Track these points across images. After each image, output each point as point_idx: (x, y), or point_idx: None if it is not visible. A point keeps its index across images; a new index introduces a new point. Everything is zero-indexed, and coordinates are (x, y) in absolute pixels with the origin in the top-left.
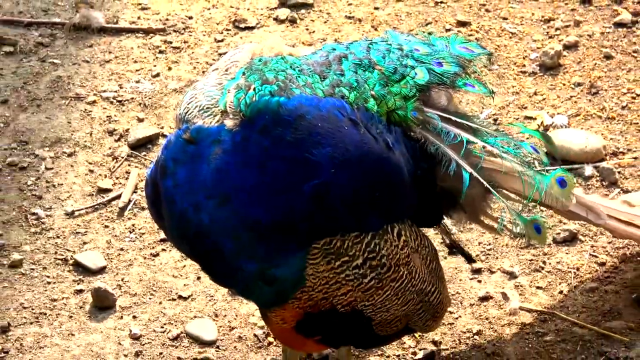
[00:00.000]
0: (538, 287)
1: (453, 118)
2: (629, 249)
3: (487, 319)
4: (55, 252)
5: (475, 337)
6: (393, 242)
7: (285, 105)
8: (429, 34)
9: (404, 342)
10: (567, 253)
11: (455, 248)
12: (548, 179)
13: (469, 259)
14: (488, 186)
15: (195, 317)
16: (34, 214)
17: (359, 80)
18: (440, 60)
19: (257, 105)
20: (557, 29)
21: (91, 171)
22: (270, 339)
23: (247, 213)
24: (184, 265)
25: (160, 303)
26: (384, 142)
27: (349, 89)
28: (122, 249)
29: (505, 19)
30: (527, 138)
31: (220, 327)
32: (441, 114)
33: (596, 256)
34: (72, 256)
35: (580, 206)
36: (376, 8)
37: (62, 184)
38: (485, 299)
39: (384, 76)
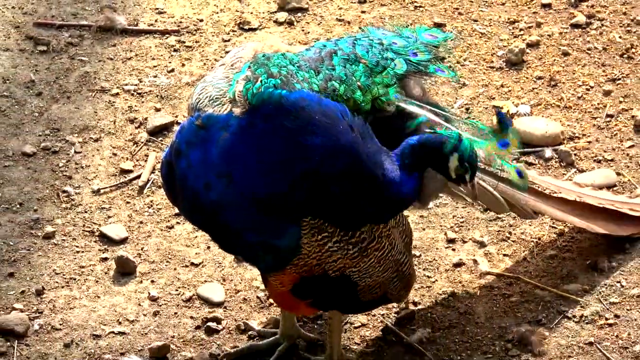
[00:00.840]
0: (505, 255)
1: (427, 106)
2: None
3: (460, 282)
4: (84, 225)
5: (450, 298)
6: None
7: (287, 97)
8: (399, 26)
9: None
10: (530, 225)
11: None
12: (509, 166)
13: None
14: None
15: (205, 281)
16: (64, 191)
17: (347, 74)
18: (415, 50)
19: (262, 96)
20: (521, 29)
21: (114, 154)
22: (271, 300)
23: (248, 189)
24: (196, 237)
25: (175, 269)
26: (372, 153)
27: (339, 82)
28: (141, 222)
29: (475, 20)
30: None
31: (227, 290)
32: (417, 102)
33: (555, 227)
34: (98, 228)
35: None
36: (363, 12)
37: (89, 166)
38: (458, 265)
39: (368, 69)
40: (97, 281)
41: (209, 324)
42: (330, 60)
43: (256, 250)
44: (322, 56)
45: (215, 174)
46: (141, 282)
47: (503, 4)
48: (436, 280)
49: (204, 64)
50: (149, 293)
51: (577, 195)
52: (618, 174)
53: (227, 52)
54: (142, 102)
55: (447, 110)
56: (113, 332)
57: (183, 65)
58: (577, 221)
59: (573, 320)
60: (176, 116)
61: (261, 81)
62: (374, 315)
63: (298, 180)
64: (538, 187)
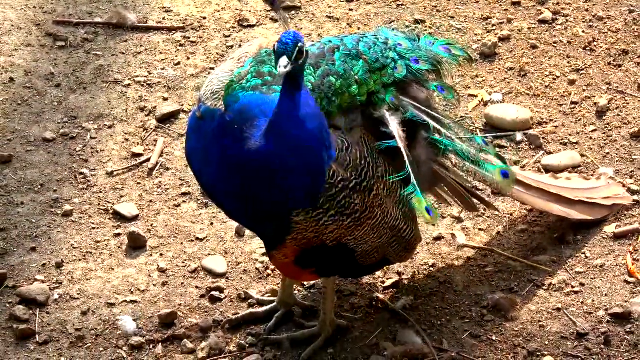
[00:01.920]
0: (480, 229)
1: (423, 108)
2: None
3: (439, 254)
4: (99, 204)
5: (431, 268)
6: (364, 195)
7: (241, 100)
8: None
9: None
10: (502, 202)
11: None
12: (493, 168)
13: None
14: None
15: (209, 254)
16: (81, 173)
17: (346, 69)
18: (418, 57)
19: (227, 97)
20: (493, 25)
21: (127, 140)
22: (269, 271)
23: (222, 180)
24: (200, 214)
25: (181, 243)
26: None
27: (336, 77)
28: (151, 201)
29: (452, 17)
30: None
31: (229, 262)
32: (414, 103)
33: (526, 204)
34: (111, 207)
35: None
36: (350, 9)
37: (103, 150)
38: (438, 238)
39: (367, 64)
40: (111, 255)
41: (213, 293)
42: (332, 55)
43: (253, 229)
44: (324, 51)
45: (204, 164)
46: (151, 255)
47: (477, 2)
48: (418, 252)
49: (207, 57)
50: (158, 265)
51: (554, 188)
52: (582, 155)
53: (228, 47)
54: (152, 92)
55: (443, 117)
56: (126, 301)
57: (188, 58)
58: (556, 209)
59: (542, 289)
60: (182, 105)
61: (245, 80)
62: (362, 285)
63: (234, 178)
64: (523, 179)
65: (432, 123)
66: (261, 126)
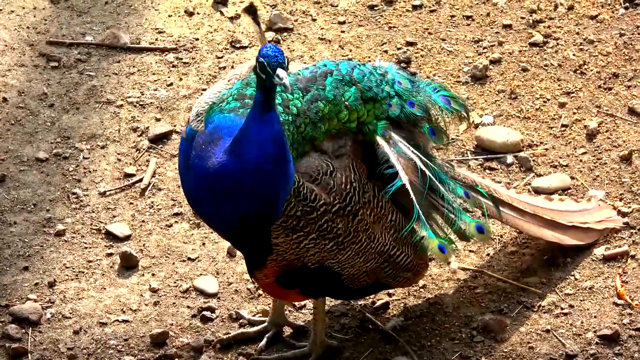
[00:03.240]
0: (470, 251)
1: (411, 148)
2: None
3: (430, 276)
4: (91, 224)
5: (421, 290)
6: (348, 220)
7: (215, 122)
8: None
9: None
10: (493, 224)
11: None
12: (471, 220)
13: None
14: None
15: (201, 274)
16: (74, 193)
17: (337, 95)
18: (414, 101)
19: (206, 118)
20: (484, 47)
21: (119, 160)
22: (260, 292)
23: (197, 198)
24: (192, 234)
25: (173, 263)
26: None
27: (325, 103)
28: (143, 221)
29: (444, 40)
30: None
31: (221, 282)
32: (403, 141)
33: (519, 230)
34: (104, 227)
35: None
36: (342, 31)
37: (96, 170)
38: (428, 260)
39: (359, 92)
40: (103, 274)
41: (204, 312)
42: (324, 80)
43: (238, 248)
44: (316, 76)
45: (186, 182)
46: (143, 275)
47: (468, 25)
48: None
49: (200, 78)
50: (150, 285)
51: (549, 213)
52: (572, 177)
53: (220, 68)
54: (144, 112)
55: (436, 162)
56: (118, 320)
57: (180, 79)
58: (549, 235)
59: (532, 310)
60: (174, 125)
61: (225, 102)
62: (353, 306)
63: (204, 196)
64: (518, 204)
65: (420, 164)
66: (224, 145)
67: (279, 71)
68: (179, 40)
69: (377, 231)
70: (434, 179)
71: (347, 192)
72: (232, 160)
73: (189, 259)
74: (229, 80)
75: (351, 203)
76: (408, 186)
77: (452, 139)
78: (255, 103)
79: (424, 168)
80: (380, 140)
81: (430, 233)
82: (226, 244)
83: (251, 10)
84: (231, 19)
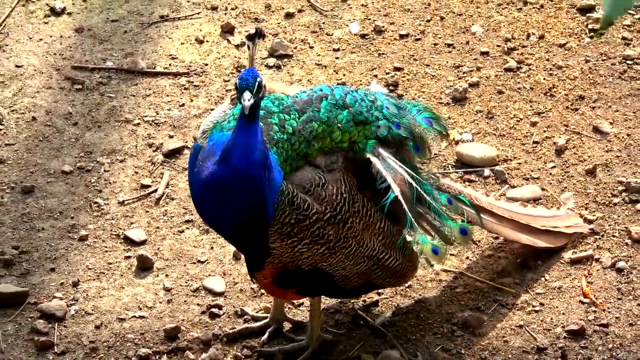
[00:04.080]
0: (451, 254)
1: (399, 163)
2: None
3: (415, 277)
4: (111, 230)
5: (407, 289)
6: (338, 227)
7: (215, 139)
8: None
9: None
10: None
11: None
12: (455, 225)
13: None
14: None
15: (209, 275)
16: (96, 202)
17: (330, 117)
18: (399, 123)
19: (210, 136)
20: (464, 72)
21: (136, 172)
22: (262, 291)
23: (203, 210)
24: (202, 239)
25: (185, 265)
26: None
27: (319, 123)
28: (157, 227)
29: (427, 65)
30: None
31: (227, 282)
32: (390, 157)
33: (497, 234)
34: (122, 232)
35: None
36: (337, 58)
37: (115, 182)
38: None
39: (351, 115)
40: (121, 275)
41: (212, 309)
42: (319, 103)
43: (240, 251)
44: (312, 99)
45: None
46: (157, 275)
47: (450, 52)
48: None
49: (209, 99)
50: (164, 285)
51: (524, 218)
52: (542, 189)
53: (227, 90)
54: (159, 130)
55: (421, 174)
56: (135, 316)
57: (192, 100)
58: (524, 238)
59: (506, 308)
60: (186, 142)
61: (227, 121)
62: (346, 304)
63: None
64: (497, 210)
65: (407, 178)
66: (217, 158)
67: (245, 94)
68: (190, 66)
69: (366, 237)
70: (420, 189)
71: (338, 202)
72: (222, 168)
73: (199, 261)
74: (231, 101)
75: (341, 212)
76: (400, 197)
77: (435, 154)
78: (240, 116)
79: (411, 180)
80: (372, 158)
81: (424, 238)
82: (232, 248)
83: (253, 36)
84: (237, 46)
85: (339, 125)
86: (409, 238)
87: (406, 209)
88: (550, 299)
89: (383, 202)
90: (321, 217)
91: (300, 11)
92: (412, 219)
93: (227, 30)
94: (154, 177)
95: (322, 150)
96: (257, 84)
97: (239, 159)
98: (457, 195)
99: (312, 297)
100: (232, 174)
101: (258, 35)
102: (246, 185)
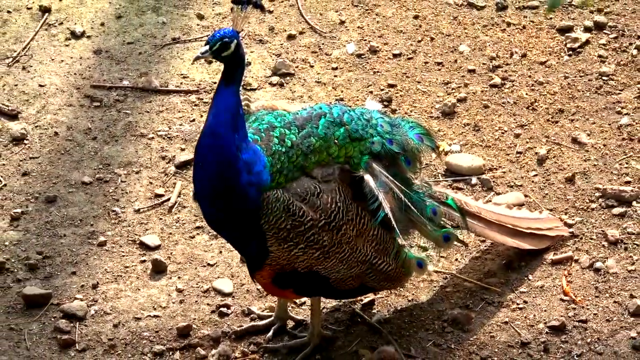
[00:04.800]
0: (442, 257)
1: (391, 177)
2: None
3: None
4: (128, 236)
5: (401, 289)
6: (332, 234)
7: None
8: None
9: None
10: (460, 235)
11: None
12: (439, 232)
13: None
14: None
15: (218, 277)
16: (113, 211)
17: (327, 133)
18: (392, 139)
19: None
20: (453, 88)
21: (151, 183)
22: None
23: (195, 178)
24: (211, 244)
25: (195, 268)
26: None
27: (317, 139)
28: (170, 233)
29: (419, 82)
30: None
31: (235, 283)
32: (382, 171)
33: (485, 238)
34: (138, 238)
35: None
36: (335, 76)
37: (131, 191)
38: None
39: (348, 132)
40: (137, 277)
41: (221, 309)
42: (318, 120)
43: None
44: (312, 116)
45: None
46: (170, 278)
47: (439, 70)
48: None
49: None
50: (176, 286)
51: (511, 220)
52: (525, 195)
53: None
54: (171, 144)
55: (413, 184)
56: (150, 316)
57: (201, 116)
58: (510, 241)
59: (493, 305)
60: None
61: None
62: (345, 303)
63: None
64: (485, 215)
65: (397, 192)
66: None
67: (204, 47)
68: (199, 84)
69: (360, 243)
70: (408, 202)
71: (332, 211)
72: (202, 130)
73: (209, 264)
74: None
75: (335, 219)
76: (390, 216)
77: (426, 164)
78: (221, 77)
79: (401, 195)
80: (365, 176)
81: (410, 254)
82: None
83: (238, 2)
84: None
85: (336, 141)
86: (401, 242)
87: (395, 226)
88: (533, 297)
89: (377, 217)
90: (316, 223)
91: (301, 33)
92: (400, 236)
93: None
94: (167, 187)
95: (319, 163)
96: (220, 42)
97: (212, 116)
98: (445, 202)
99: (310, 297)
100: (205, 131)
101: (244, 2)
102: (215, 143)
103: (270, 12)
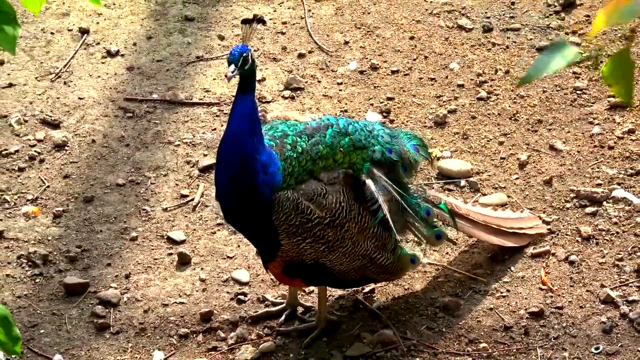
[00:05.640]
0: (434, 250)
1: (390, 182)
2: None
3: None
4: (156, 231)
5: (398, 280)
6: (336, 230)
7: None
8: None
9: None
10: (450, 232)
11: None
12: (431, 231)
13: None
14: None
15: (237, 268)
16: (144, 209)
17: (334, 142)
18: (391, 149)
19: None
20: (444, 101)
21: (177, 184)
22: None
23: (217, 191)
24: (230, 239)
25: (216, 260)
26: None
27: (324, 146)
28: (194, 229)
29: (414, 95)
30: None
31: (251, 274)
32: (383, 177)
33: (472, 236)
34: (166, 234)
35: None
36: (340, 90)
37: (160, 192)
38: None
39: (352, 142)
40: (165, 268)
41: (239, 296)
42: (326, 130)
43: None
44: (320, 126)
45: None
46: (194, 269)
47: (432, 85)
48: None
49: None
50: (200, 276)
51: (495, 221)
52: (508, 196)
53: None
54: (195, 150)
55: (409, 188)
56: (176, 302)
57: (222, 125)
58: (495, 239)
59: (479, 294)
60: None
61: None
62: (348, 292)
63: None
64: (473, 217)
65: (395, 195)
66: None
67: (230, 67)
68: (220, 97)
69: (361, 239)
70: (405, 204)
71: (336, 210)
72: (223, 135)
73: (228, 257)
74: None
75: (339, 217)
76: (388, 217)
77: (421, 168)
78: (238, 87)
79: (398, 197)
80: (367, 180)
81: (404, 250)
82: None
83: (247, 21)
84: (259, 81)
85: (341, 149)
86: (398, 237)
87: (392, 225)
88: (515, 286)
89: (377, 216)
90: (322, 221)
91: (310, 52)
92: (396, 235)
93: None
94: (191, 189)
95: (326, 168)
96: (241, 58)
97: (232, 124)
98: (438, 204)
99: (317, 286)
100: (225, 138)
101: (252, 20)
102: (235, 149)
103: (283, 33)
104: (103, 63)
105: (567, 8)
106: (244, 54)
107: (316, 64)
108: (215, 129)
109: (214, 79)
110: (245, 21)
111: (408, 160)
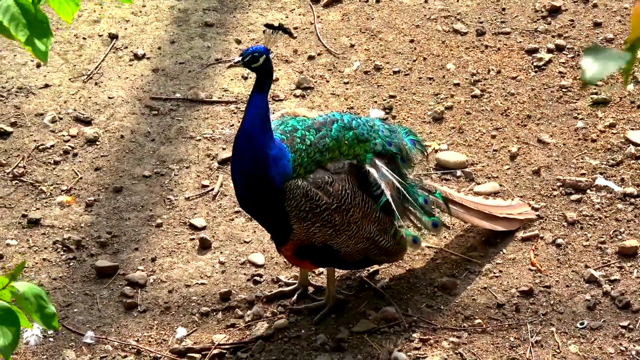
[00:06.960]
0: (433, 235)
1: (390, 172)
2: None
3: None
4: (180, 219)
5: (400, 261)
6: (342, 215)
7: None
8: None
9: None
10: (447, 217)
11: None
12: (429, 219)
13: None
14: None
15: (253, 252)
16: (168, 198)
17: (339, 136)
18: (391, 142)
19: None
20: (441, 98)
21: (198, 176)
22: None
23: (234, 179)
24: (247, 225)
25: (234, 245)
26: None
27: (330, 139)
28: (214, 217)
29: (414, 94)
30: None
31: (266, 257)
32: (384, 166)
33: (465, 221)
34: (188, 221)
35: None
36: (346, 89)
37: (183, 183)
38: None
39: (355, 135)
40: (187, 252)
41: (255, 278)
42: (332, 125)
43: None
44: (327, 121)
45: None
46: (214, 253)
47: (430, 84)
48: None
49: None
50: (219, 260)
51: (487, 208)
52: (500, 185)
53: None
54: (215, 144)
55: (408, 178)
56: (197, 283)
57: (239, 122)
58: (487, 224)
59: (474, 274)
60: None
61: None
62: (355, 273)
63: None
64: (466, 204)
65: (396, 183)
66: None
67: (237, 57)
68: (237, 96)
69: (365, 223)
70: (405, 192)
71: (342, 196)
72: (237, 131)
73: (245, 241)
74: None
75: (345, 204)
76: (390, 200)
77: (420, 159)
78: (254, 84)
79: (398, 185)
80: (370, 169)
81: (407, 231)
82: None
83: (270, 26)
84: (272, 81)
85: (346, 142)
86: (398, 223)
87: (394, 208)
88: (507, 267)
89: (380, 202)
90: (329, 206)
91: (319, 54)
92: (399, 216)
93: None
94: (211, 179)
95: (332, 159)
96: (250, 56)
97: (246, 121)
98: (433, 193)
99: (325, 267)
100: (239, 134)
101: (275, 28)
102: (249, 144)
103: (294, 37)
104: (131, 65)
105: (553, 13)
106: (256, 54)
107: (325, 65)
108: (233, 125)
109: (232, 80)
110: (268, 26)
111: (406, 152)
